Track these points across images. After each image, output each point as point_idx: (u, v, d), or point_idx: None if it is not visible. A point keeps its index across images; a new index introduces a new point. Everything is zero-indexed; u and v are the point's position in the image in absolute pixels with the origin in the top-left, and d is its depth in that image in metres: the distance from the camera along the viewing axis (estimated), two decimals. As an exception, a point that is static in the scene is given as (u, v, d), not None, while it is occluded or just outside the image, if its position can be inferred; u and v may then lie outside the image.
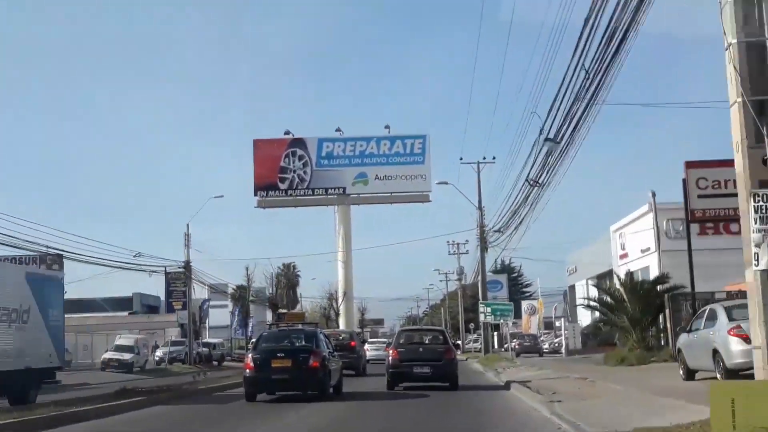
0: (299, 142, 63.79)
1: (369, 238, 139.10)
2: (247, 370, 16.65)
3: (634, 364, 23.79)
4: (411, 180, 62.52)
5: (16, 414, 12.82)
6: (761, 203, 8.36)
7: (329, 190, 63.38)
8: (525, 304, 66.95)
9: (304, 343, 17.21)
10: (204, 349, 52.70)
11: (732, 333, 14.48)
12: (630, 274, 27.56)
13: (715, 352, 15.00)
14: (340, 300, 63.79)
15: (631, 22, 11.70)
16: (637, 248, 48.94)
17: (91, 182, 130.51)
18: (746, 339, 12.41)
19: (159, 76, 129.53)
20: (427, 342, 20.92)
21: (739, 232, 32.39)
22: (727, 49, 8.70)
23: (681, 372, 17.18)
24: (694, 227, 44.09)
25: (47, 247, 38.50)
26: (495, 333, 54.45)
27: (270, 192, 63.38)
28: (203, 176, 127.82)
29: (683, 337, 17.27)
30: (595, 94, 13.39)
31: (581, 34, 12.71)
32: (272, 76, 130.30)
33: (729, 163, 24.40)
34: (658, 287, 26.11)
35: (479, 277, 46.33)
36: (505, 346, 54.69)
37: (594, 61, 13.02)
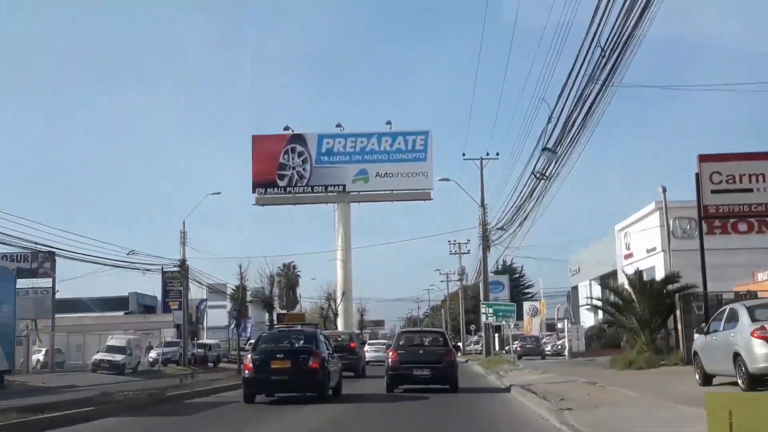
0: (299, 138, 62.77)
1: (369, 237, 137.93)
2: (246, 371, 16.59)
3: (643, 368, 22.66)
4: (412, 177, 61.51)
5: None
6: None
7: (329, 188, 62.43)
8: (527, 305, 65.81)
9: (303, 344, 17.10)
10: (199, 350, 51.69)
11: (756, 335, 13.34)
12: (639, 273, 26.36)
13: (737, 355, 13.84)
14: (338, 300, 62.64)
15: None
16: (642, 248, 47.90)
17: (89, 181, 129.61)
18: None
19: (159, 76, 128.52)
20: (427, 344, 20.69)
21: (747, 232, 31.39)
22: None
23: (697, 377, 16.02)
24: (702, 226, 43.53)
25: (37, 243, 37.48)
26: (496, 335, 53.39)
27: (269, 189, 62.42)
28: (203, 175, 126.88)
29: (700, 339, 16.11)
30: (612, 72, 12.23)
31: (597, 6, 11.58)
32: (272, 74, 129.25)
33: (745, 156, 23.61)
34: (668, 287, 24.92)
35: (481, 277, 45.28)
36: (507, 348, 53.77)
37: (611, 36, 11.88)
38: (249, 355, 17.19)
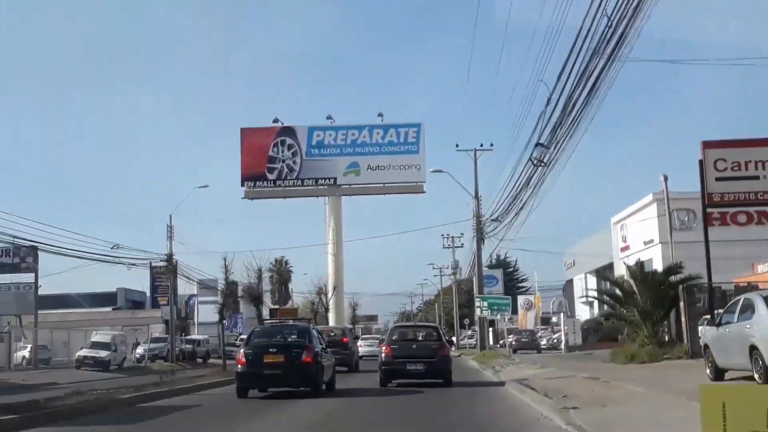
0: (288, 131, 61.61)
1: (361, 231, 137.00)
2: (239, 366, 16.41)
3: (645, 362, 21.70)
4: (405, 170, 60.45)
5: None
6: None
7: (319, 181, 61.27)
8: (521, 299, 65.02)
9: (296, 338, 17.03)
10: (188, 346, 50.73)
11: (775, 326, 12.37)
12: (640, 264, 25.39)
13: (753, 348, 12.85)
14: (329, 295, 61.56)
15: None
16: (639, 240, 47.17)
17: (75, 176, 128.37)
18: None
19: (149, 71, 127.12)
20: (420, 338, 20.63)
21: (747, 223, 30.42)
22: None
23: (708, 371, 15.03)
24: (701, 218, 42.54)
25: (15, 237, 36.28)
26: (490, 329, 52.56)
27: (258, 182, 61.28)
28: (193, 170, 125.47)
29: (711, 332, 15.12)
30: (620, 43, 11.19)
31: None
32: (263, 68, 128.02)
33: (752, 142, 22.61)
34: (671, 278, 23.96)
35: (475, 270, 44.43)
36: (501, 342, 53.00)
37: (619, 3, 10.82)
38: (242, 350, 17.05)
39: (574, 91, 14.32)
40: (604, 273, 54.22)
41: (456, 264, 67.32)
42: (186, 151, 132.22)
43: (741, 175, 22.07)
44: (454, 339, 65.34)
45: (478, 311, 38.92)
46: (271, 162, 60.83)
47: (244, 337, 54.73)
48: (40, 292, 48.18)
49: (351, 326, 63.41)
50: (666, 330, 24.34)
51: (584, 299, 62.90)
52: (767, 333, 12.50)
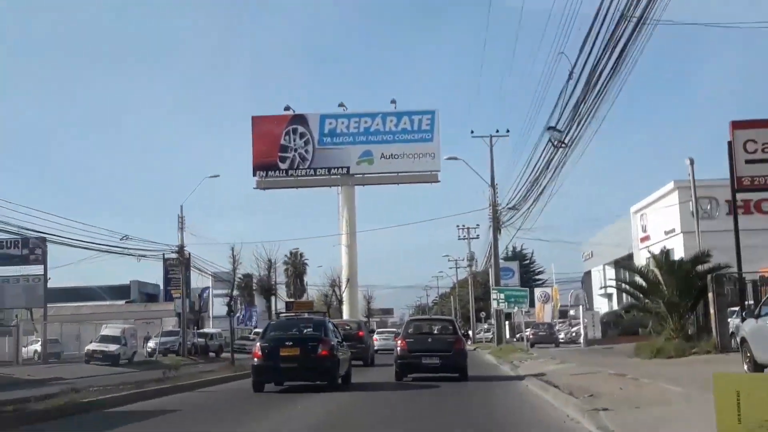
0: (300, 119, 60.63)
1: (375, 222, 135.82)
2: (255, 359, 16.29)
3: (672, 356, 20.58)
4: (419, 159, 59.38)
5: None
6: None
7: (332, 170, 60.33)
8: (538, 292, 63.74)
9: (312, 331, 16.92)
10: (200, 339, 49.90)
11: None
12: (666, 252, 24.24)
13: (798, 342, 11.74)
14: (343, 287, 60.59)
15: None
16: (660, 230, 45.91)
17: (87, 167, 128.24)
18: None
19: (159, 60, 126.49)
20: (436, 332, 20.44)
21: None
22: None
23: (745, 366, 13.90)
24: (723, 206, 41.37)
25: (23, 228, 35.51)
26: (506, 322, 51.47)
27: (270, 172, 60.37)
28: (205, 160, 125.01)
29: (749, 324, 13.97)
30: (650, 3, 10.07)
31: None
32: (274, 55, 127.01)
33: (783, 123, 21.39)
34: (698, 268, 22.75)
35: (491, 261, 43.24)
36: (518, 335, 51.92)
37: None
38: (258, 343, 16.93)
39: (599, 60, 13.19)
40: (623, 264, 53.17)
41: (472, 256, 66.36)
42: (198, 142, 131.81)
43: (773, 157, 20.89)
44: (470, 332, 64.49)
45: (494, 304, 37.72)
46: (283, 151, 59.90)
47: (258, 330, 54.41)
48: (52, 284, 47.72)
49: (365, 319, 62.57)
50: (692, 323, 23.13)
51: (603, 291, 61.73)
52: (816, 326, 11.39)
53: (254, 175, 60.47)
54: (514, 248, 74.51)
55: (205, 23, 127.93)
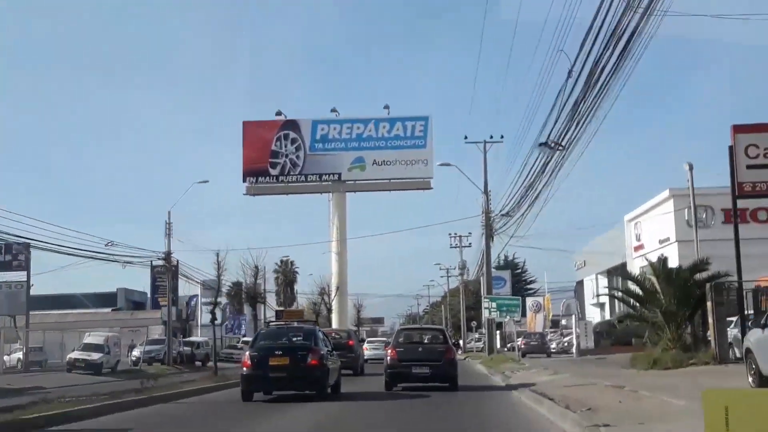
0: (292, 124, 59.89)
1: (367, 230, 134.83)
2: (244, 368, 16.25)
3: (670, 368, 19.91)
4: (412, 165, 58.63)
5: None
6: None
7: (324, 176, 59.50)
8: (530, 301, 63.14)
9: (302, 340, 16.94)
10: (186, 348, 49.02)
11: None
12: (663, 260, 23.58)
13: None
14: (332, 295, 59.74)
15: None
16: (654, 239, 45.33)
17: (75, 173, 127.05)
18: None
19: (153, 66, 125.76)
20: (426, 341, 20.45)
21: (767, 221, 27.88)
22: None
23: (750, 379, 13.21)
24: (719, 215, 40.87)
25: (6, 234, 34.78)
26: (498, 331, 50.84)
27: (260, 178, 59.52)
28: (195, 167, 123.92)
29: (755, 334, 13.28)
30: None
31: None
32: (267, 60, 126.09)
33: (788, 127, 20.78)
34: (697, 276, 22.10)
35: (483, 270, 42.58)
36: (509, 345, 51.26)
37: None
38: (247, 352, 17.00)
39: (602, 55, 12.52)
40: (617, 273, 52.57)
41: (463, 264, 65.78)
42: (188, 148, 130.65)
43: (776, 162, 20.28)
44: (460, 342, 63.80)
45: (486, 312, 37.05)
46: (273, 156, 59.11)
47: (246, 339, 53.54)
48: (38, 292, 46.93)
49: (355, 328, 61.81)
50: (690, 333, 22.46)
51: (595, 301, 61.19)
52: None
53: (244, 181, 59.67)
54: (506, 257, 74.11)
55: (202, 28, 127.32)
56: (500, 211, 35.43)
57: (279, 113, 60.34)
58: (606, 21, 11.20)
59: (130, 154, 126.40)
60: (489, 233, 38.79)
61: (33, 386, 25.81)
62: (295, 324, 21.07)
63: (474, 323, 67.63)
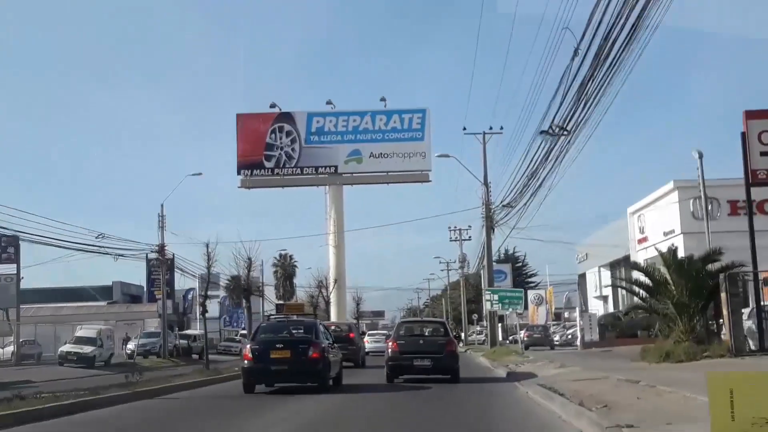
0: (287, 117, 58.99)
1: (365, 223, 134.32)
2: (246, 361, 16.46)
3: (683, 360, 18.97)
4: (409, 158, 57.77)
5: None
6: None
7: (320, 169, 58.63)
8: (532, 294, 62.50)
9: (303, 333, 17.04)
10: (182, 341, 48.40)
11: None
12: (674, 250, 22.71)
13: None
14: (330, 288, 58.94)
15: None
16: (659, 231, 44.49)
17: (70, 167, 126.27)
18: None
19: (149, 61, 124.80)
20: (427, 334, 20.63)
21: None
22: None
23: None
24: (725, 206, 40.01)
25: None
26: (499, 324, 50.18)
27: (255, 171, 58.66)
28: (192, 161, 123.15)
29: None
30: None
31: None
32: (262, 53, 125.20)
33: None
34: (710, 266, 21.23)
35: (484, 262, 41.79)
36: (511, 338, 50.59)
37: None
38: (248, 345, 17.18)
39: (610, 31, 11.61)
40: (619, 266, 51.74)
41: (463, 257, 65.22)
42: (183, 142, 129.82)
43: (791, 149, 19.52)
44: (462, 335, 63.17)
45: (487, 305, 36.38)
46: (268, 149, 58.21)
47: (244, 332, 52.78)
48: (33, 285, 46.31)
49: (355, 321, 61.15)
50: (703, 324, 21.59)
51: (598, 294, 60.53)
52: None
53: (239, 174, 58.78)
54: (507, 251, 73.45)
55: (197, 23, 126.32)
56: (501, 202, 34.67)
57: (273, 105, 59.45)
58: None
59: (127, 151, 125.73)
60: (489, 225, 38.01)
61: (22, 380, 25.40)
62: (295, 317, 21.61)
63: (475, 316, 66.97)
